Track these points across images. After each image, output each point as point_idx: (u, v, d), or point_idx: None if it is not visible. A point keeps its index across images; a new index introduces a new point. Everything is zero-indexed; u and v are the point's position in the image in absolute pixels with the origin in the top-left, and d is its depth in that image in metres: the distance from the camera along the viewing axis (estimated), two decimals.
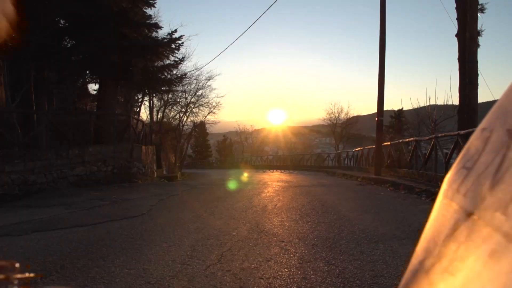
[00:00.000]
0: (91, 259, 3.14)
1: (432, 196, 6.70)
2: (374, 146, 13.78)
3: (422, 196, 6.97)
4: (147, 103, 29.50)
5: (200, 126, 38.98)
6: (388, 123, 32.24)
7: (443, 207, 0.45)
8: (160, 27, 14.42)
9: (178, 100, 28.78)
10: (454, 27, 11.78)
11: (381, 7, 11.50)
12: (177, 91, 25.58)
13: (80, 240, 3.88)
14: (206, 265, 2.91)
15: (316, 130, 72.77)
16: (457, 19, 11.61)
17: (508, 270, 0.32)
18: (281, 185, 9.95)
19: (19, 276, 0.45)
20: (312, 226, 4.37)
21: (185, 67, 44.07)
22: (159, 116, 29.52)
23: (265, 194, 7.59)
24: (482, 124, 0.44)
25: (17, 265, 0.45)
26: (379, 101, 11.71)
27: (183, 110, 29.47)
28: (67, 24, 12.90)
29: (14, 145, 9.63)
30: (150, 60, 14.09)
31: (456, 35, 11.56)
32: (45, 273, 2.81)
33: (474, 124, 10.40)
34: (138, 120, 16.91)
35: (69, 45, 13.33)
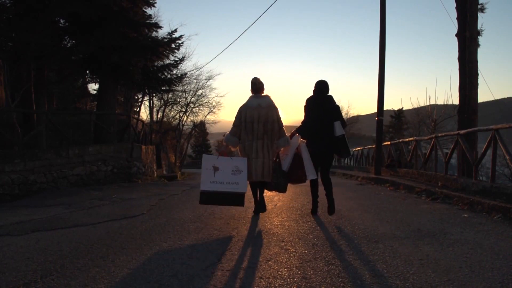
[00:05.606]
0: (91, 259, 3.15)
1: (432, 196, 6.69)
2: (374, 146, 13.78)
3: (422, 196, 6.97)
4: (147, 103, 29.60)
5: (200, 126, 38.99)
6: (388, 122, 32.24)
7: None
8: (160, 27, 14.41)
9: (178, 99, 28.81)
10: (454, 27, 11.78)
11: (381, 6, 11.51)
12: (177, 90, 25.62)
13: (80, 240, 3.88)
14: (206, 265, 2.91)
15: None
16: (457, 18, 11.60)
17: None
18: None
19: None
20: (312, 225, 4.38)
21: (185, 66, 44.21)
22: (159, 116, 29.58)
23: (265, 194, 7.56)
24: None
25: None
26: (379, 100, 11.70)
27: (183, 109, 29.47)
28: (67, 24, 12.88)
29: (14, 145, 9.63)
30: (150, 60, 14.07)
31: (456, 35, 11.55)
32: (45, 273, 2.81)
33: (474, 124, 10.37)
34: (138, 119, 16.92)
35: (69, 45, 13.31)
